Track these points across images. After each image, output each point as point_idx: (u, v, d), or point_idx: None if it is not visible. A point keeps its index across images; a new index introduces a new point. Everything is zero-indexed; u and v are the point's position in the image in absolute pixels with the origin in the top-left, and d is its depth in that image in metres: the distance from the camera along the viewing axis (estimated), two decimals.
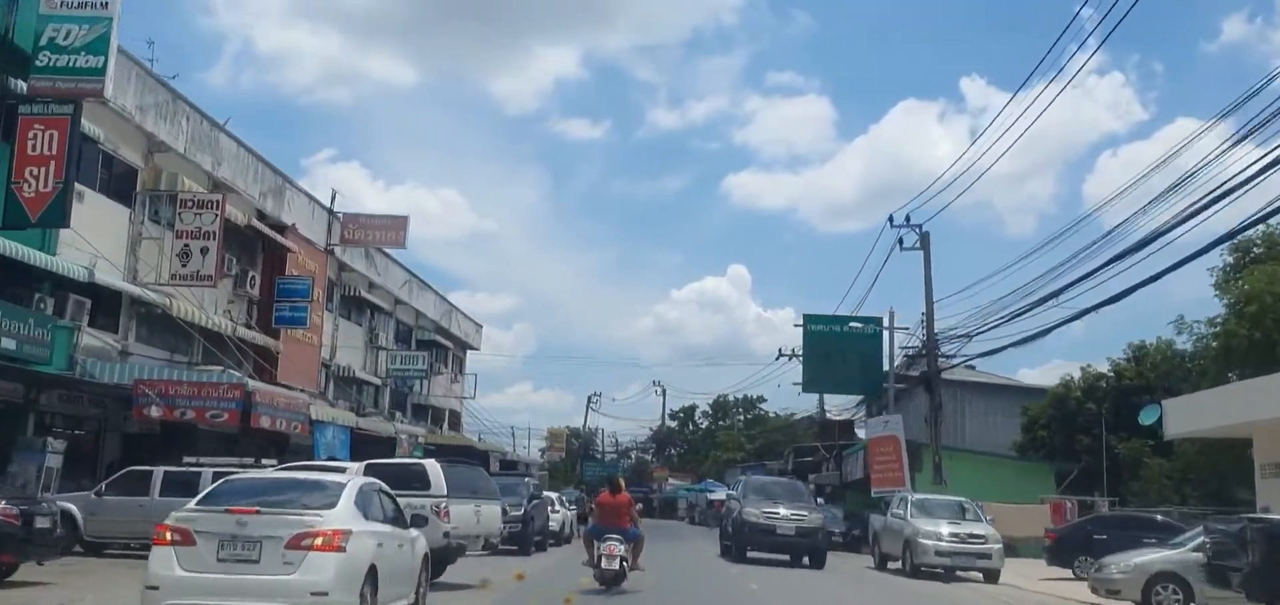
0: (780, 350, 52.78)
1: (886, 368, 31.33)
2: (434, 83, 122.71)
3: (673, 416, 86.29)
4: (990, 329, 26.39)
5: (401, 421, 43.65)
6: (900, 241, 29.03)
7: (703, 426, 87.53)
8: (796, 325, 32.11)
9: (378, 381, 41.26)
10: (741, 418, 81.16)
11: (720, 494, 63.31)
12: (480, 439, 53.34)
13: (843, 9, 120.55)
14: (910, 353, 30.14)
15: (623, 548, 14.90)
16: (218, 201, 24.71)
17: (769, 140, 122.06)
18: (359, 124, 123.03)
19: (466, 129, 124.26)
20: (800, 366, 35.26)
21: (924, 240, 29.47)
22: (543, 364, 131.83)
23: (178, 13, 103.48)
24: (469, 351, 57.07)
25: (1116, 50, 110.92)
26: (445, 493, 14.69)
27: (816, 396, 52.43)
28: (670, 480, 77.74)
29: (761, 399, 76.10)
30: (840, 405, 48.04)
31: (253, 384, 22.79)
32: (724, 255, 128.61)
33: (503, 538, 20.38)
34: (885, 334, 31.26)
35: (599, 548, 15.04)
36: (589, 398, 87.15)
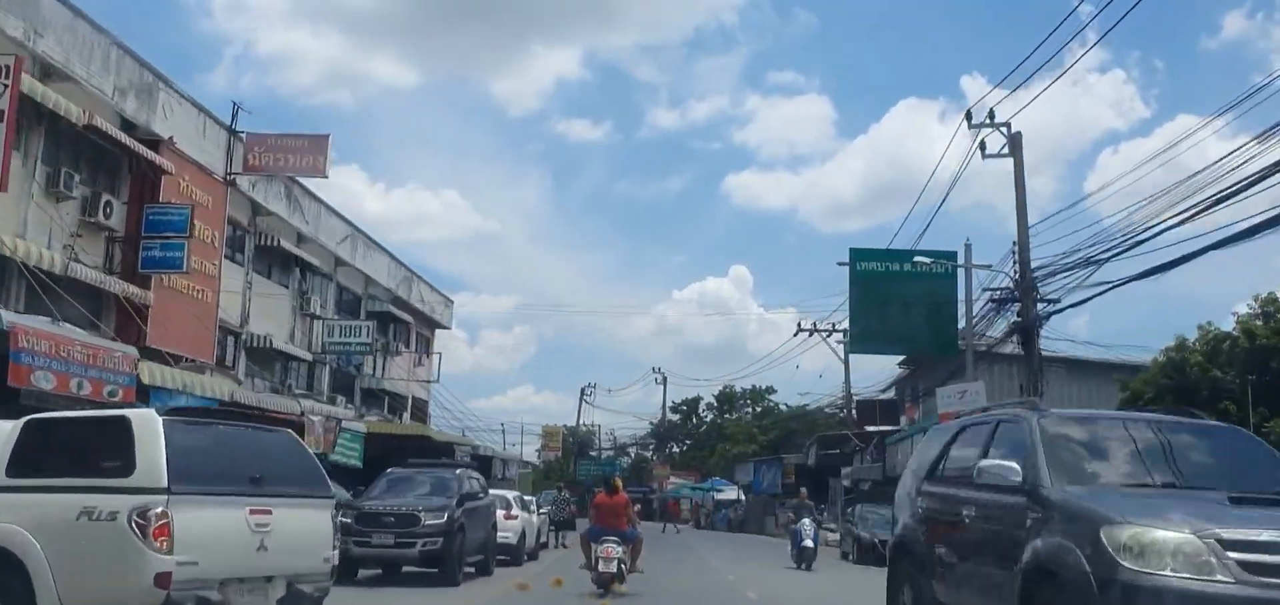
0: (799, 325, 45.33)
1: (962, 319, 23.26)
2: (435, 84, 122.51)
3: (675, 409, 78.48)
4: (1110, 257, 18.50)
5: (344, 407, 35.81)
6: (982, 146, 21.14)
7: (707, 420, 79.68)
8: (846, 278, 23.70)
9: (309, 356, 33.40)
10: (750, 410, 73.27)
11: (729, 492, 55.71)
12: (464, 434, 45.80)
13: (844, 8, 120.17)
14: (998, 294, 22.09)
15: (620, 550, 14.69)
16: (9, 65, 16.87)
17: (770, 140, 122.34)
18: (360, 126, 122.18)
19: (468, 130, 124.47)
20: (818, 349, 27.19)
21: (1014, 144, 21.61)
22: (544, 366, 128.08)
23: (179, 16, 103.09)
24: (438, 330, 49.25)
25: (1117, 47, 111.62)
26: (165, 479, 6.72)
27: (843, 378, 44.82)
28: (672, 478, 69.87)
29: (771, 389, 68.34)
30: (879, 379, 40.45)
31: (10, 319, 14.85)
32: (725, 256, 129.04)
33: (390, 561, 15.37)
34: (960, 274, 23.10)
35: (596, 550, 14.71)
36: (583, 390, 79.39)
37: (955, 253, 23.17)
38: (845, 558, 29.61)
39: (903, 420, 35.32)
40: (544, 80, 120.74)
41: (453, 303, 50.13)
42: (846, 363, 45.37)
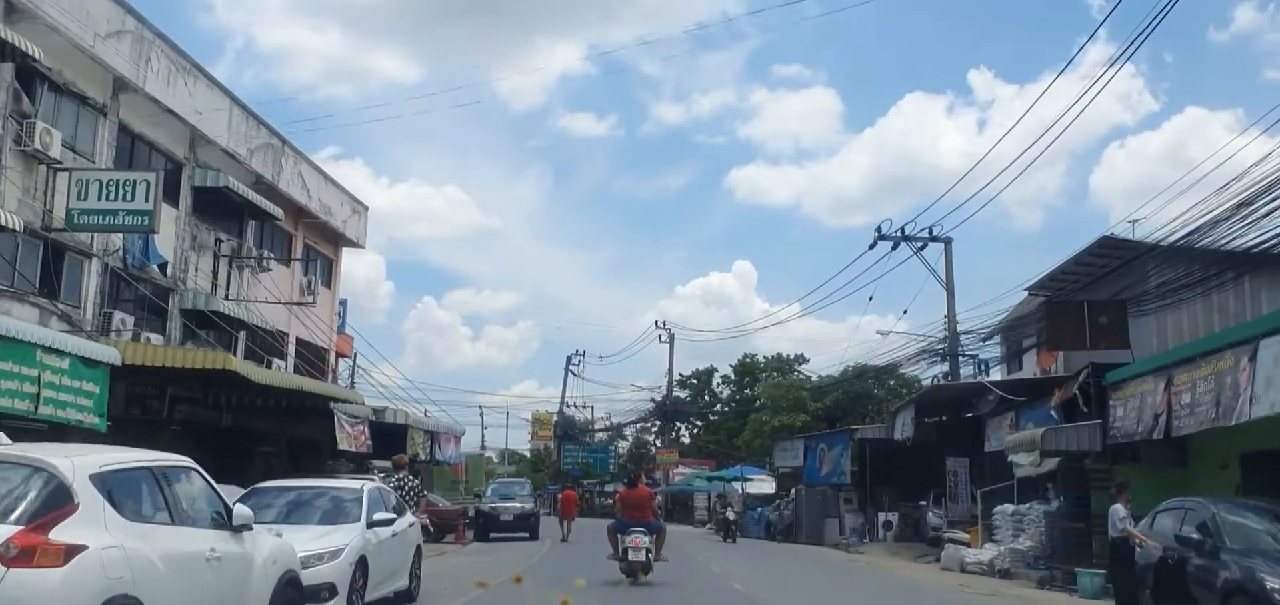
0: (879, 232, 30.38)
1: None
2: (438, 79, 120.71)
3: (682, 383, 62.95)
4: None
5: (130, 330, 20.57)
6: None
7: (722, 395, 64.32)
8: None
9: (20, 226, 18.15)
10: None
11: (762, 482, 40.53)
12: (429, 412, 31.03)
13: None
14: None
15: (647, 540, 15.38)
16: None
17: (774, 134, 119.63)
18: (363, 122, 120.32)
19: (471, 126, 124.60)
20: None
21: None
22: (549, 362, 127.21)
23: (179, 11, 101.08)
24: (344, 247, 34.09)
25: (1125, 40, 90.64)
26: None
27: (946, 312, 29.74)
28: (680, 468, 54.65)
29: (801, 358, 53.15)
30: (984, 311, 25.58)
31: None
32: (729, 250, 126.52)
33: None
34: None
35: (624, 541, 15.37)
36: (569, 359, 64.13)
37: None
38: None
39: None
40: (547, 75, 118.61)
41: (365, 212, 34.82)
42: (950, 280, 30.15)
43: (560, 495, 31.39)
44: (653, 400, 56.70)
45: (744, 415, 62.28)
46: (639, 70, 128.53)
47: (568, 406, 66.48)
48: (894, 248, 30.74)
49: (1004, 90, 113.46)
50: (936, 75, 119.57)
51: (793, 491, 33.57)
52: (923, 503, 27.76)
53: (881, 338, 31.04)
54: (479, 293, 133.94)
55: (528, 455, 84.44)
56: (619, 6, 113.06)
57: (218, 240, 25.86)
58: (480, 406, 76.77)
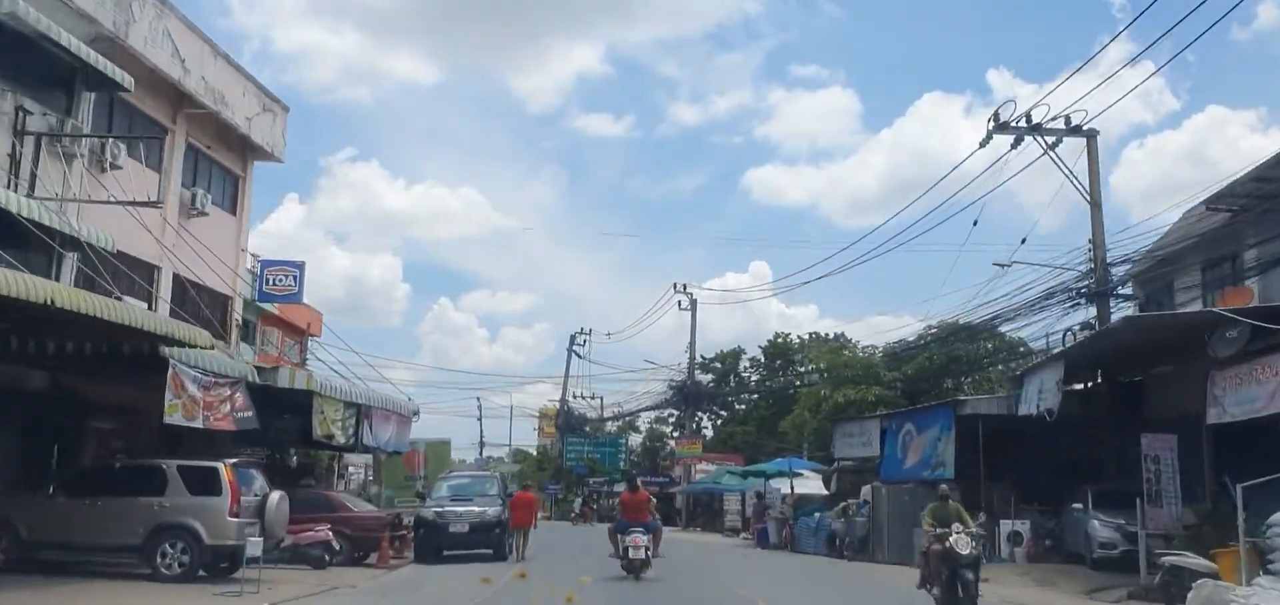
0: (994, 120, 21.66)
1: None
2: (454, 80, 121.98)
3: (704, 367, 53.79)
4: None
5: None
6: None
7: (750, 382, 55.22)
8: None
9: None
10: (814, 366, 48.76)
11: (810, 483, 31.47)
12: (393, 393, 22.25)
13: None
14: None
15: (646, 539, 16.53)
16: None
17: (792, 134, 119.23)
18: (379, 123, 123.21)
19: (487, 127, 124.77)
20: None
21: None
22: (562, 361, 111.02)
23: (196, 12, 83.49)
24: (253, 159, 25.39)
25: (1146, 38, 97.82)
26: None
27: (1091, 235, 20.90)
28: (702, 463, 45.67)
29: (841, 338, 43.98)
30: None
31: None
32: (745, 251, 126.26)
33: None
34: None
35: (624, 541, 16.49)
36: (573, 337, 55.33)
37: None
38: None
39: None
40: (564, 76, 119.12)
41: (284, 114, 26.05)
42: (1095, 188, 21.36)
43: (512, 498, 21.76)
44: (671, 383, 47.56)
45: (779, 402, 53.43)
46: (656, 71, 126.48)
47: (574, 397, 57.85)
48: (1016, 145, 21.81)
49: (1023, 89, 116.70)
50: (955, 75, 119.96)
51: (864, 491, 24.56)
52: (1076, 506, 18.87)
53: (999, 271, 21.32)
54: (495, 294, 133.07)
55: (534, 453, 75.96)
56: (635, 7, 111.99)
57: (22, 112, 17.15)
58: (478, 397, 67.71)
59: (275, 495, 14.59)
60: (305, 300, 35.62)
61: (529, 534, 21.60)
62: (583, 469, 53.57)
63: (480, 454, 79.85)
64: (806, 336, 51.11)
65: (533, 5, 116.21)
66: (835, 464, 30.13)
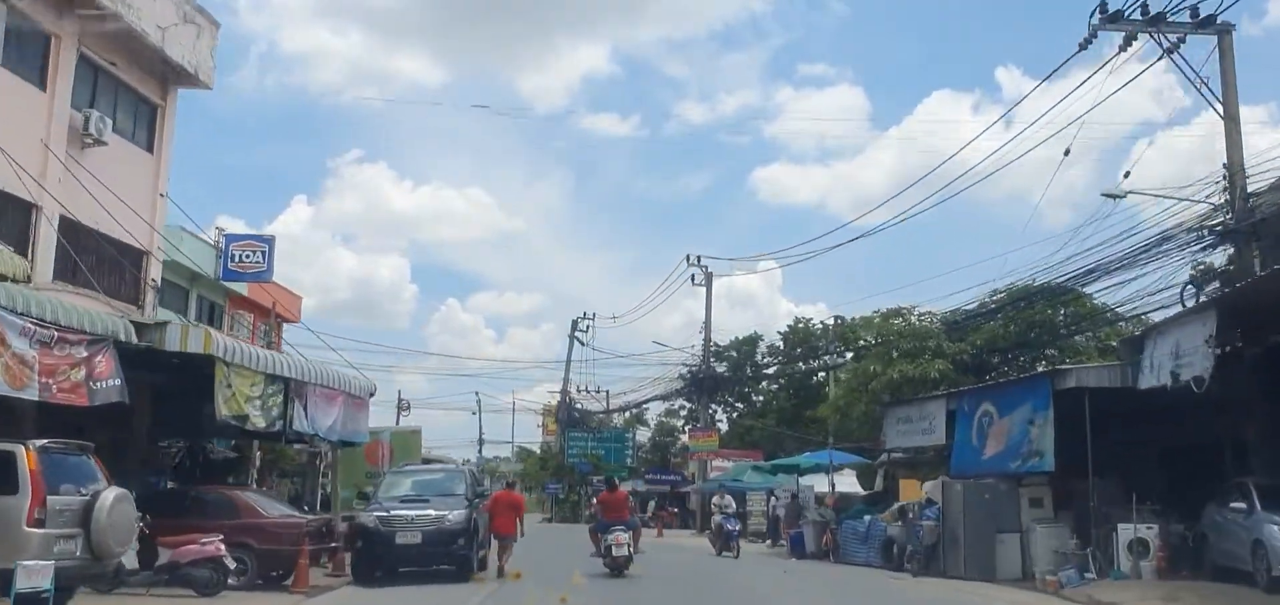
0: (1104, 7, 16.77)
1: None
2: (461, 82, 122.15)
3: (718, 355, 48.74)
4: None
5: None
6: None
7: (768, 370, 50.36)
8: None
9: None
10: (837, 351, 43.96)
11: (844, 479, 26.58)
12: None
13: None
14: None
15: (628, 536, 16.99)
16: None
17: (799, 133, 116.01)
18: (386, 124, 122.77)
19: (494, 127, 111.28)
20: None
21: None
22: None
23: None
24: (173, 86, 20.71)
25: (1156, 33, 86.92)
26: None
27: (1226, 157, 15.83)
28: (717, 460, 40.86)
29: (898, 313, 38.79)
30: None
31: None
32: (753, 250, 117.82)
33: None
34: None
35: (607, 539, 16.94)
36: (575, 323, 50.62)
37: None
38: None
39: None
40: (571, 76, 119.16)
41: (212, 28, 21.32)
42: (1231, 98, 16.67)
43: (490, 499, 17.44)
44: (684, 369, 42.60)
45: (800, 392, 48.67)
46: (662, 71, 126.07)
47: (579, 391, 53.16)
48: (1126, 45, 17.08)
49: (1031, 87, 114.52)
50: (963, 72, 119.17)
51: (927, 488, 19.78)
52: (1235, 504, 14.14)
53: (1111, 203, 16.50)
54: (502, 295, 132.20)
55: (537, 451, 71.37)
56: (642, 7, 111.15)
57: None
58: (477, 393, 63.17)
59: (109, 495, 9.96)
60: (293, 289, 31.14)
61: (511, 545, 17.01)
62: (586, 466, 48.90)
63: (480, 453, 75.46)
64: (831, 320, 46.17)
65: (539, 6, 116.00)
66: (880, 456, 25.40)
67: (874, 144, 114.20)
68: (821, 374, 50.95)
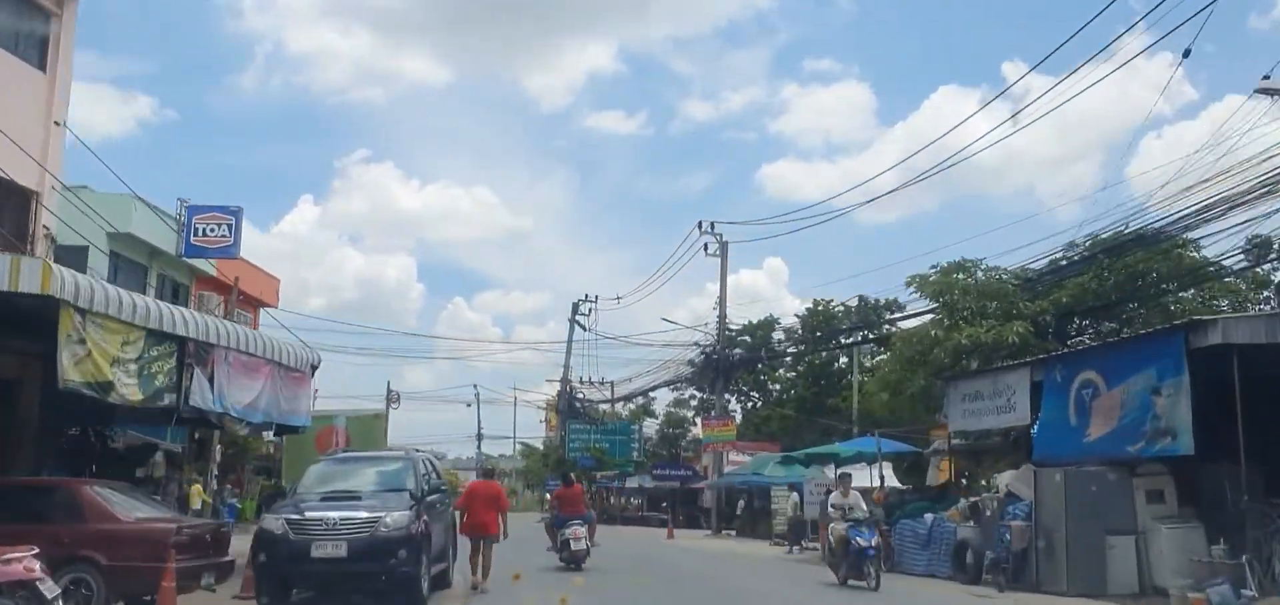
0: None
1: None
2: (467, 81, 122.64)
3: (732, 341, 44.48)
4: None
5: None
6: None
7: (789, 353, 46.23)
8: None
9: None
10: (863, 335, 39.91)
11: (862, 466, 22.11)
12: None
13: None
14: None
15: (584, 530, 17.07)
16: None
17: (805, 129, 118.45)
18: (392, 124, 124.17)
19: (500, 127, 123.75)
20: None
21: None
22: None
23: (206, 17, 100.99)
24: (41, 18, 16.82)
25: (1164, 28, 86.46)
26: None
27: None
28: (735, 454, 36.88)
29: (961, 267, 33.48)
30: None
31: None
32: (760, 247, 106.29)
33: None
34: None
35: (564, 534, 17.03)
36: (575, 307, 46.71)
37: None
38: None
39: None
40: (576, 75, 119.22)
41: None
42: None
43: (465, 490, 14.16)
44: (696, 350, 38.48)
45: (820, 379, 44.73)
46: (668, 68, 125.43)
47: (583, 383, 49.21)
48: None
49: (1038, 81, 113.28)
50: (970, 67, 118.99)
51: (1004, 478, 15.78)
52: None
53: (1267, 101, 12.47)
54: (508, 294, 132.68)
55: (541, 448, 67.46)
56: (648, 4, 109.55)
57: None
58: (475, 385, 59.42)
59: None
60: (269, 270, 27.90)
61: (491, 547, 13.19)
62: (588, 461, 44.96)
63: (479, 449, 71.74)
64: (855, 300, 42.03)
65: (544, 4, 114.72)
66: (932, 444, 21.37)
67: (880, 139, 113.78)
68: (844, 360, 47.26)
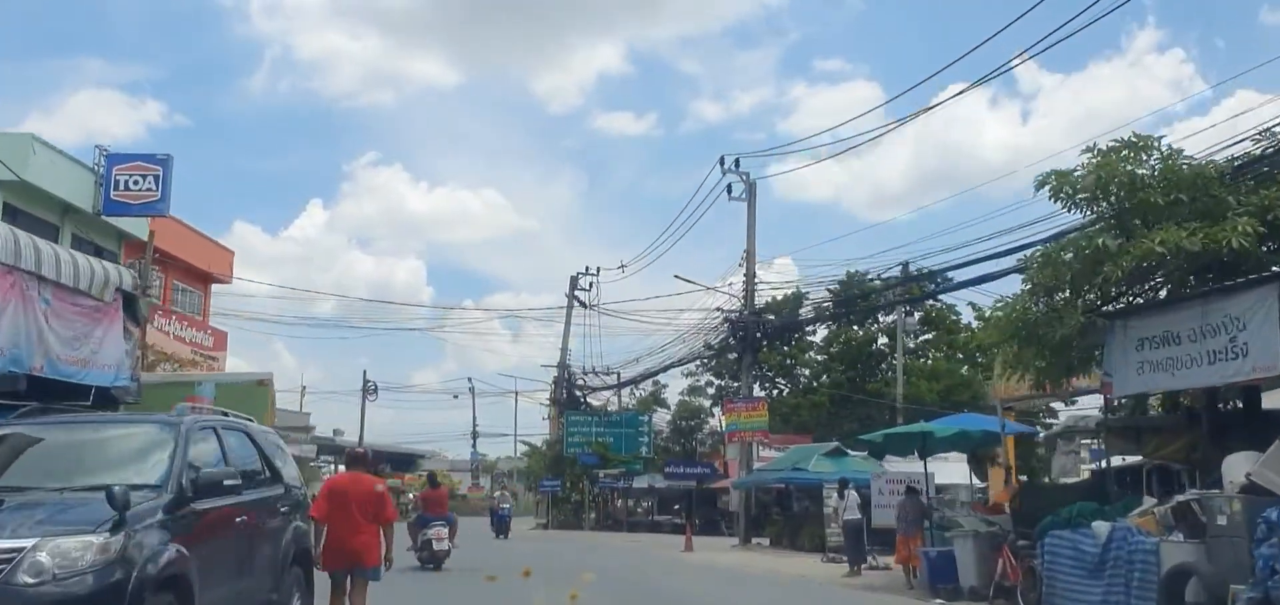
0: None
1: None
2: (476, 82, 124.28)
3: (757, 315, 38.11)
4: None
5: None
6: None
7: (819, 332, 40.29)
8: None
9: None
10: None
11: (950, 470, 16.19)
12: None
13: None
14: None
15: (446, 530, 18.02)
16: None
17: (814, 129, 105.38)
18: (401, 127, 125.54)
19: (509, 128, 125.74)
20: None
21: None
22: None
23: (215, 22, 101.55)
24: None
25: (1175, 25, 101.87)
26: None
27: None
28: (767, 444, 30.89)
29: (1133, 142, 23.70)
30: None
31: None
32: (768, 247, 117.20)
33: None
34: None
35: (426, 533, 17.93)
36: (573, 280, 40.85)
37: None
38: None
39: None
40: (585, 76, 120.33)
41: None
42: None
43: (324, 487, 7.90)
44: (721, 318, 31.93)
45: (858, 363, 39.09)
46: (677, 69, 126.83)
47: (587, 374, 43.18)
48: None
49: (1048, 80, 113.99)
50: (979, 66, 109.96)
51: (1237, 470, 9.76)
52: None
53: None
54: (517, 295, 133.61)
55: (542, 447, 61.69)
56: (657, 5, 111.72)
57: None
58: (470, 378, 53.90)
59: None
60: (224, 242, 22.78)
61: (364, 593, 7.30)
62: (590, 458, 39.03)
63: (474, 447, 66.15)
64: (897, 269, 35.90)
65: (553, 5, 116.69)
66: (1055, 426, 15.19)
67: (890, 138, 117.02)
68: (883, 340, 41.41)
